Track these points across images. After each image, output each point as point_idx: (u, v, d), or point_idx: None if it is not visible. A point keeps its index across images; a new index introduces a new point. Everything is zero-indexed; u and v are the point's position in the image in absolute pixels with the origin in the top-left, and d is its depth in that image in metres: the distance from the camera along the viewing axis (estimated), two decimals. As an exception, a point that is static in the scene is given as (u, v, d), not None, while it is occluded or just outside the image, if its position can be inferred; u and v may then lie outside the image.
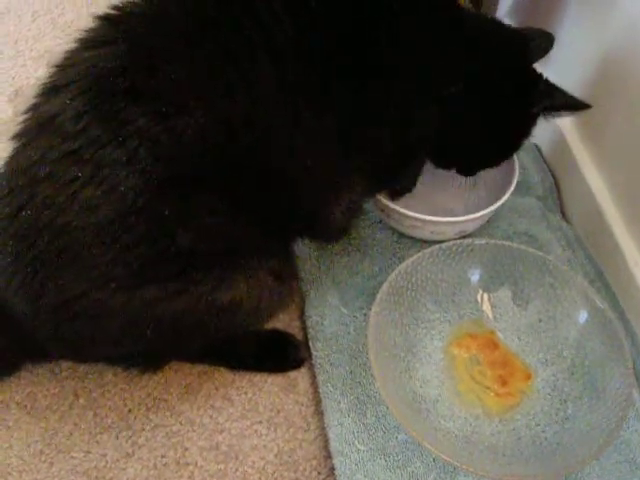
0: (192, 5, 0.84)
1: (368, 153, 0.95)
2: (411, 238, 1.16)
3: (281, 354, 1.07)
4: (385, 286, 1.00)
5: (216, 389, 1.05)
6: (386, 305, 1.00)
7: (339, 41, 0.87)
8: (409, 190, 1.11)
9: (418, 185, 1.14)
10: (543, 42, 1.02)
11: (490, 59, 0.98)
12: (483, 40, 0.98)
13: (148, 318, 0.86)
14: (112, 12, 0.84)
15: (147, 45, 0.81)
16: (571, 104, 1.01)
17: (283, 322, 1.10)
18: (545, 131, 1.26)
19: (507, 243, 1.07)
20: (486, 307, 1.07)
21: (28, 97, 1.34)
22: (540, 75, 1.02)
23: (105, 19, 0.84)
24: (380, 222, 1.18)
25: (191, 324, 0.88)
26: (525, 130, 1.05)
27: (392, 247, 1.16)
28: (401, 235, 1.16)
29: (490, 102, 0.99)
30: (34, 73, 1.51)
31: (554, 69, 1.06)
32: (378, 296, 0.99)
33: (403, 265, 1.03)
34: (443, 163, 1.09)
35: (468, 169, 1.10)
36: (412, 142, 1.00)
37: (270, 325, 1.07)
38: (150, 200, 0.79)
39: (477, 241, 1.06)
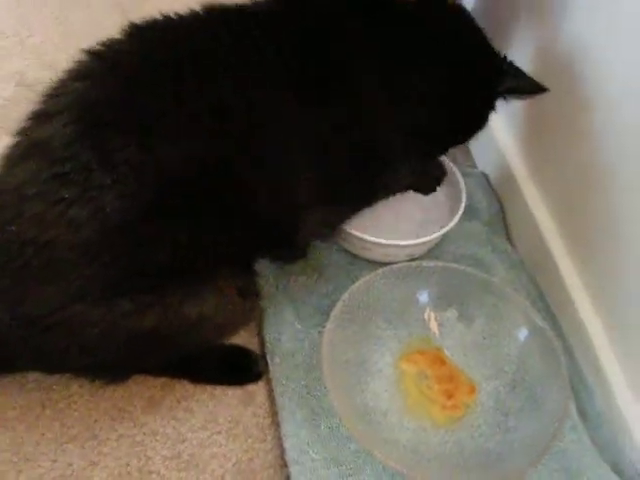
0: (174, 43, 0.92)
1: (332, 182, 1.01)
2: (364, 260, 1.22)
3: (240, 368, 1.12)
4: (339, 305, 1.06)
5: (178, 401, 1.09)
6: (339, 322, 1.06)
7: (305, 69, 0.95)
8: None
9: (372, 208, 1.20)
10: None
11: (457, 55, 1.06)
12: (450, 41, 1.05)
13: (122, 330, 0.91)
14: (100, 48, 0.91)
15: (134, 79, 0.88)
16: (531, 86, 1.09)
17: (243, 338, 1.15)
18: (492, 159, 1.35)
19: (454, 265, 1.14)
20: (433, 325, 1.13)
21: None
22: (504, 57, 1.10)
23: (93, 54, 0.91)
24: (335, 244, 1.23)
25: (161, 337, 0.93)
26: (490, 107, 1.13)
27: (346, 268, 1.22)
28: (355, 257, 1.23)
29: (458, 88, 1.07)
30: (2, 93, 1.54)
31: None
32: (332, 314, 1.05)
33: (356, 285, 1.09)
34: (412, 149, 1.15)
35: (438, 151, 1.19)
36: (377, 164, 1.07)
37: (230, 340, 1.13)
38: (132, 221, 0.85)
39: (425, 263, 1.13)
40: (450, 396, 1.07)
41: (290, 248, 1.11)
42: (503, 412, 1.06)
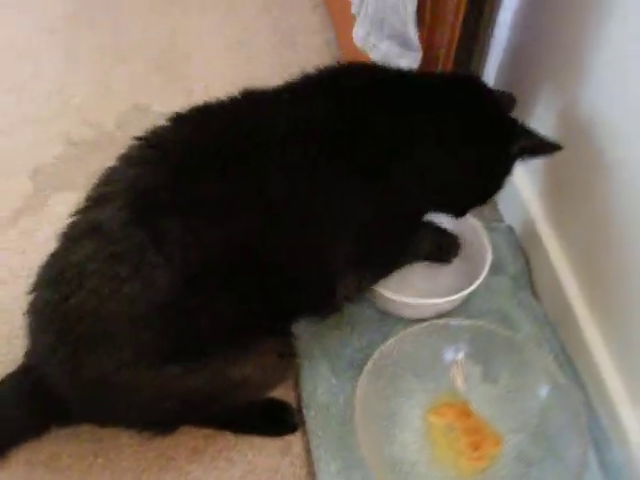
0: (215, 130, 1.02)
1: (368, 252, 1.09)
2: (395, 315, 1.29)
3: (278, 420, 1.20)
4: (370, 362, 1.14)
5: (220, 451, 1.17)
6: (371, 378, 1.13)
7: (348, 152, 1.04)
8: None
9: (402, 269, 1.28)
10: (509, 101, 1.19)
11: (476, 123, 1.13)
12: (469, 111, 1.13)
13: (171, 392, 1.00)
14: (149, 135, 1.01)
15: (180, 167, 0.98)
16: (544, 145, 1.15)
17: (280, 391, 1.23)
18: (517, 214, 1.42)
19: (479, 323, 1.20)
20: (460, 381, 1.20)
21: (47, 175, 1.51)
22: (515, 120, 1.16)
23: (144, 140, 1.01)
24: (367, 300, 1.31)
25: (206, 397, 1.02)
26: (507, 169, 1.19)
27: (378, 323, 1.30)
28: (386, 313, 1.30)
29: (477, 152, 1.14)
30: (52, 151, 1.66)
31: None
32: (364, 370, 1.13)
33: (386, 344, 1.16)
34: (436, 210, 1.23)
35: (461, 211, 1.26)
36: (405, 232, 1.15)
37: (269, 394, 1.20)
38: (180, 295, 0.94)
39: (452, 322, 1.20)
40: (476, 448, 1.13)
41: (326, 312, 1.17)
42: (526, 463, 1.12)
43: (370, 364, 1.13)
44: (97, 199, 0.98)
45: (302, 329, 1.27)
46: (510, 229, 1.49)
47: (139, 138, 1.00)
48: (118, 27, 2.04)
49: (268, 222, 0.97)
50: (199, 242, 0.93)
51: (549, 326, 1.31)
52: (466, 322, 1.20)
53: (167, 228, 0.93)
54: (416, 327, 1.19)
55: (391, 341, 1.16)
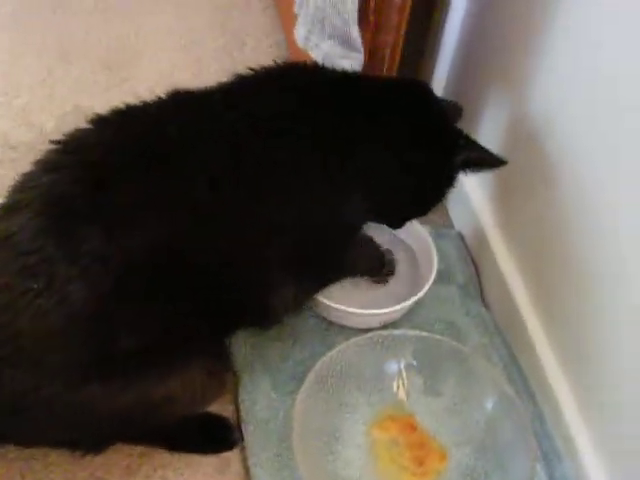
0: (139, 133, 0.96)
1: (301, 263, 1.05)
2: (339, 325, 1.24)
3: (215, 436, 1.14)
4: (311, 374, 1.09)
5: (154, 470, 1.12)
6: (311, 392, 1.09)
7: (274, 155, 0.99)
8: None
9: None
10: (455, 110, 1.15)
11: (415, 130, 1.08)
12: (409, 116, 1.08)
13: (92, 412, 0.94)
14: (67, 139, 0.95)
15: (99, 172, 0.91)
16: (489, 158, 1.11)
17: (218, 405, 1.17)
18: (467, 220, 1.38)
19: (424, 334, 1.16)
20: (405, 393, 1.16)
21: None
22: (461, 131, 1.12)
23: (61, 144, 0.94)
24: (311, 309, 1.26)
25: (130, 417, 0.96)
26: (449, 180, 1.15)
27: (322, 334, 1.25)
28: (330, 323, 1.25)
29: (418, 160, 1.09)
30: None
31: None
32: (304, 385, 1.08)
33: (327, 355, 1.12)
34: (374, 219, 1.19)
35: (397, 222, 1.22)
36: (337, 240, 1.10)
37: (206, 408, 1.15)
38: (97, 309, 0.88)
39: (397, 332, 1.17)
40: (421, 463, 1.09)
41: (265, 323, 1.12)
42: (473, 478, 1.08)
43: (311, 377, 1.09)
44: (10, 207, 0.92)
45: (241, 341, 1.22)
46: (460, 236, 1.46)
47: (57, 142, 0.94)
48: (63, 27, 1.97)
49: (195, 227, 0.92)
50: (119, 251, 0.87)
51: (499, 335, 1.28)
52: (411, 332, 1.16)
53: (83, 237, 0.87)
54: (359, 338, 1.14)
55: (333, 352, 1.12)
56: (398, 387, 1.16)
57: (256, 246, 0.98)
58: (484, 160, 1.10)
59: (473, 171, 1.12)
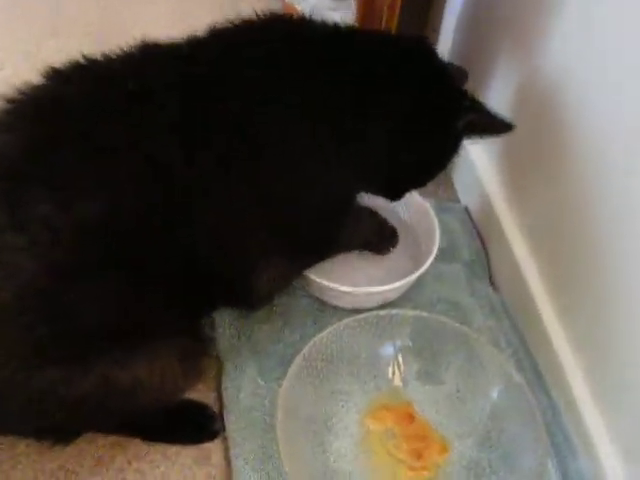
0: (98, 88, 0.85)
1: (284, 234, 0.94)
2: (333, 306, 1.14)
3: (195, 426, 1.05)
4: (298, 358, 0.99)
5: (129, 462, 1.03)
6: (299, 378, 0.99)
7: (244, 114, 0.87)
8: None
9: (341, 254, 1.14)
10: (460, 74, 1.03)
11: (410, 86, 0.96)
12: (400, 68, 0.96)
13: (51, 398, 0.84)
14: (17, 97, 0.84)
15: (53, 131, 0.81)
16: (495, 122, 1.00)
17: (199, 392, 1.08)
18: (474, 193, 1.28)
19: (425, 314, 1.06)
20: (401, 379, 1.06)
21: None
22: (465, 92, 1.01)
23: (10, 103, 0.83)
24: (302, 289, 1.16)
25: (94, 404, 0.86)
26: (451, 147, 1.04)
27: (314, 315, 1.15)
28: (323, 303, 1.15)
29: (415, 122, 0.98)
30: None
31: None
32: (291, 368, 0.98)
33: (317, 337, 1.02)
34: (369, 190, 1.08)
35: (395, 194, 1.10)
36: (328, 210, 1.00)
37: (187, 395, 1.06)
38: (50, 283, 0.78)
39: (394, 312, 1.06)
40: (419, 456, 1.00)
41: (249, 304, 1.02)
42: (476, 473, 0.99)
43: (298, 361, 0.99)
44: None
45: (226, 323, 1.13)
46: (466, 210, 1.36)
47: (11, 100, 0.84)
48: (58, 3, 1.89)
49: (161, 192, 0.81)
50: (72, 218, 0.77)
51: (508, 318, 1.17)
52: (410, 313, 1.06)
53: (32, 204, 0.77)
54: (353, 318, 1.05)
55: (323, 334, 1.02)
56: (393, 373, 1.06)
57: (235, 217, 0.88)
58: (491, 124, 0.99)
59: (479, 136, 1.01)
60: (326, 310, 1.15)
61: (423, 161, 1.02)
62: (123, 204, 0.79)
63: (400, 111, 0.95)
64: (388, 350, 1.06)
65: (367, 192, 1.09)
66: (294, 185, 0.90)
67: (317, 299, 1.16)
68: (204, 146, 0.84)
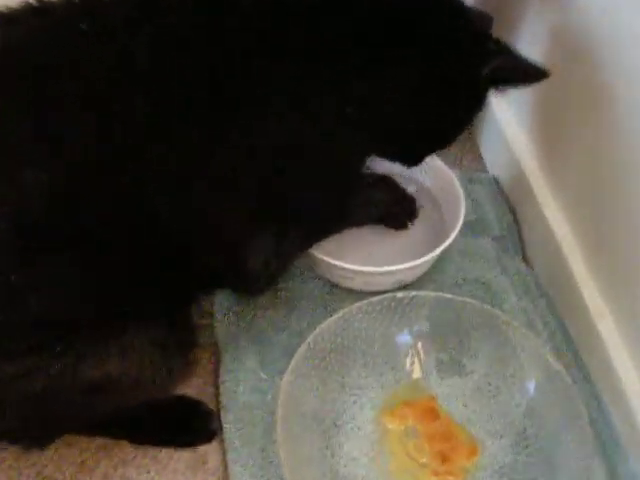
0: (46, 34, 0.72)
1: (274, 200, 0.81)
2: (345, 289, 1.01)
3: (189, 426, 0.93)
4: (303, 347, 0.86)
5: (114, 468, 0.91)
6: (304, 370, 0.86)
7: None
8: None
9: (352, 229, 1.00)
10: (483, 20, 0.88)
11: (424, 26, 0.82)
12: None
13: (11, 395, 0.74)
14: None
15: None
16: (526, 68, 0.85)
17: (195, 387, 0.97)
18: (504, 161, 1.15)
19: (448, 296, 0.92)
20: (421, 370, 0.93)
21: None
22: (489, 35, 0.86)
23: None
24: (311, 270, 1.03)
25: (58, 403, 0.74)
26: (476, 100, 0.89)
27: (324, 299, 1.02)
28: (334, 285, 1.02)
29: (432, 70, 0.83)
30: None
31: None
32: (293, 360, 0.85)
33: (325, 323, 0.89)
34: (382, 154, 0.94)
35: (413, 157, 0.96)
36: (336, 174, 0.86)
37: (180, 390, 0.95)
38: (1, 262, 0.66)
39: (414, 293, 0.93)
40: (445, 459, 0.87)
41: (242, 289, 0.89)
42: (511, 478, 0.85)
43: (302, 351, 0.86)
44: None
45: (224, 308, 1.01)
46: (495, 181, 1.21)
47: None
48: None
49: (126, 151, 0.68)
50: (10, 190, 0.65)
51: (543, 298, 1.04)
52: (431, 294, 0.92)
53: None
54: (366, 301, 0.91)
55: (332, 320, 0.89)
56: (412, 363, 0.92)
57: (215, 182, 0.75)
58: (521, 70, 0.85)
59: (508, 86, 0.86)
60: (337, 294, 1.02)
61: (443, 117, 0.87)
62: (74, 167, 0.66)
63: (414, 57, 0.81)
64: (406, 338, 0.93)
65: (379, 156, 0.94)
66: (284, 142, 0.76)
67: (327, 281, 1.03)
68: (176, 99, 0.70)
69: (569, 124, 1.02)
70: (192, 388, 0.97)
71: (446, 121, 0.88)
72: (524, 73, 0.84)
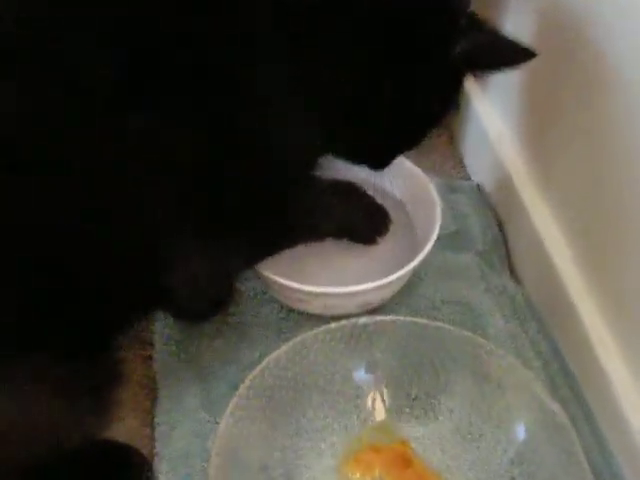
0: None
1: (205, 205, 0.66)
2: (304, 314, 0.86)
3: (116, 477, 0.77)
4: (245, 385, 0.71)
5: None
6: (247, 412, 0.72)
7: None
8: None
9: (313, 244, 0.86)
10: None
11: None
12: None
13: None
14: None
15: None
16: (507, 47, 0.72)
17: (129, 430, 0.82)
18: (489, 166, 1.02)
19: (422, 321, 0.79)
20: (395, 408, 0.79)
21: None
22: (462, 8, 0.72)
23: None
24: (265, 292, 0.89)
25: None
26: (448, 87, 0.76)
27: (278, 325, 0.88)
28: (291, 310, 0.88)
29: (392, 51, 0.70)
30: None
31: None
32: (233, 401, 0.70)
33: (274, 355, 0.75)
34: (341, 154, 0.81)
35: (379, 159, 0.83)
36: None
37: (112, 433, 0.80)
38: None
39: (379, 318, 0.78)
40: (419, 516, 0.71)
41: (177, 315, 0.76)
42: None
43: (245, 387, 0.71)
44: None
45: (163, 336, 0.86)
46: (479, 188, 1.08)
47: None
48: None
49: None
50: None
51: (535, 321, 0.90)
52: (400, 320, 0.78)
53: None
54: (322, 329, 0.76)
55: (282, 350, 0.75)
56: (375, 401, 0.76)
57: (129, 180, 0.62)
58: (500, 49, 0.70)
59: (485, 69, 0.71)
60: (295, 319, 0.89)
61: (409, 106, 0.73)
62: None
63: (370, 36, 0.67)
64: (370, 370, 0.78)
65: (339, 157, 0.80)
66: (208, 126, 0.62)
67: (283, 305, 0.89)
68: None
69: (564, 122, 0.89)
70: (125, 431, 0.82)
71: (412, 112, 0.74)
72: (505, 53, 0.70)
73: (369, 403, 0.78)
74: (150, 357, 0.88)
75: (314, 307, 0.86)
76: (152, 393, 0.86)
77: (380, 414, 0.78)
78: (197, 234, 0.68)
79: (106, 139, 0.59)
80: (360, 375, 0.78)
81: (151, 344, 0.89)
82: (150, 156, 0.61)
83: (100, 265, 0.63)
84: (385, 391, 0.78)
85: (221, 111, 0.63)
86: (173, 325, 0.89)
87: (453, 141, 1.17)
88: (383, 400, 0.78)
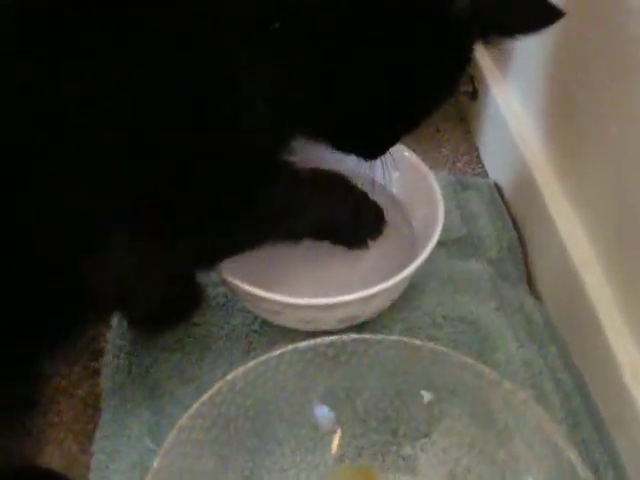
0: None
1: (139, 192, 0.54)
2: (281, 327, 0.73)
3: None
4: (187, 417, 0.58)
5: None
6: (190, 448, 0.58)
7: None
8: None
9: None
10: None
11: None
12: None
13: None
14: None
15: None
16: (525, 6, 0.58)
17: (67, 456, 0.70)
18: (508, 163, 0.91)
19: (414, 342, 0.65)
20: (377, 444, 0.65)
21: None
22: None
23: None
24: (237, 303, 0.76)
25: None
26: (449, 54, 0.61)
27: (248, 340, 0.75)
28: (263, 322, 0.75)
29: (385, 17, 0.57)
30: None
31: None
32: (171, 435, 0.57)
33: (229, 378, 0.61)
34: (326, 139, 0.67)
35: (372, 145, 0.69)
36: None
37: (46, 459, 0.69)
38: None
39: (361, 337, 0.65)
40: None
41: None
42: None
43: (187, 418, 0.58)
44: None
45: (115, 348, 0.74)
46: (496, 188, 0.95)
47: None
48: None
49: None
50: None
51: (555, 345, 0.77)
52: (387, 339, 0.65)
53: None
54: (290, 348, 0.63)
55: (239, 372, 0.62)
56: (369, 433, 0.65)
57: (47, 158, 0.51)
58: (516, 4, 0.56)
59: (498, 33, 0.57)
60: (267, 333, 0.77)
61: (404, 78, 0.59)
62: None
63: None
64: (345, 400, 0.64)
65: (323, 141, 0.66)
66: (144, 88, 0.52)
67: (256, 317, 0.76)
68: None
69: (596, 112, 0.75)
70: (62, 456, 0.71)
71: (409, 86, 0.60)
72: (523, 9, 0.56)
73: (333, 443, 0.63)
74: (98, 371, 0.75)
75: (289, 320, 0.72)
76: (98, 413, 0.73)
77: (358, 452, 0.63)
78: (130, 226, 0.55)
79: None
80: (335, 404, 0.64)
81: (103, 355, 0.76)
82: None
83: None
84: (365, 425, 0.63)
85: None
86: (127, 334, 0.75)
87: (469, 134, 1.03)
88: (363, 435, 0.63)
